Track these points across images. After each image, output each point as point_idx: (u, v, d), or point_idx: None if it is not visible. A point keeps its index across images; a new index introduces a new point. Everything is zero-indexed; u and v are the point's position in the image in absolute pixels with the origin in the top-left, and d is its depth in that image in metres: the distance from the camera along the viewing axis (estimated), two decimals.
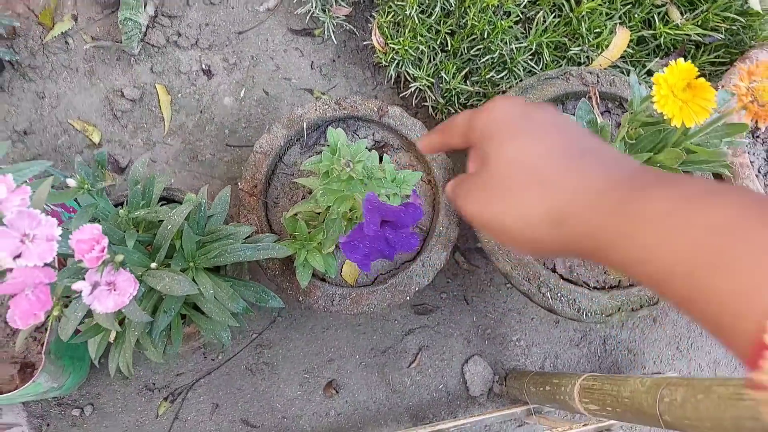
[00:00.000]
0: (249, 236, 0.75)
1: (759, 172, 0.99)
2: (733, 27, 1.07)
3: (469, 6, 1.02)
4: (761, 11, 1.08)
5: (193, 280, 0.65)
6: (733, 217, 0.22)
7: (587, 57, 1.04)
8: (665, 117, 0.62)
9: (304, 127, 0.93)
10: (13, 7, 1.13)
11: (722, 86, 0.95)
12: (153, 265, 0.61)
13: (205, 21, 1.18)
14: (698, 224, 0.22)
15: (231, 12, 1.19)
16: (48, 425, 1.01)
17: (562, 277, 0.90)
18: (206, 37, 1.17)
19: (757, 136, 1.01)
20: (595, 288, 0.90)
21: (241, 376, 1.07)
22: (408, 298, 0.90)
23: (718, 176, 0.92)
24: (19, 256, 0.46)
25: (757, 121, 0.57)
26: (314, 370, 1.08)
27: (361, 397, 1.08)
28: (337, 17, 1.12)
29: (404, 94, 1.11)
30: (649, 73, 1.08)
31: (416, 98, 1.11)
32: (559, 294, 0.86)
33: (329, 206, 0.78)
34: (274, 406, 1.07)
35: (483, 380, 1.10)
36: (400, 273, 0.90)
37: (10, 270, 0.47)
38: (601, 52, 1.03)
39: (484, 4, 1.01)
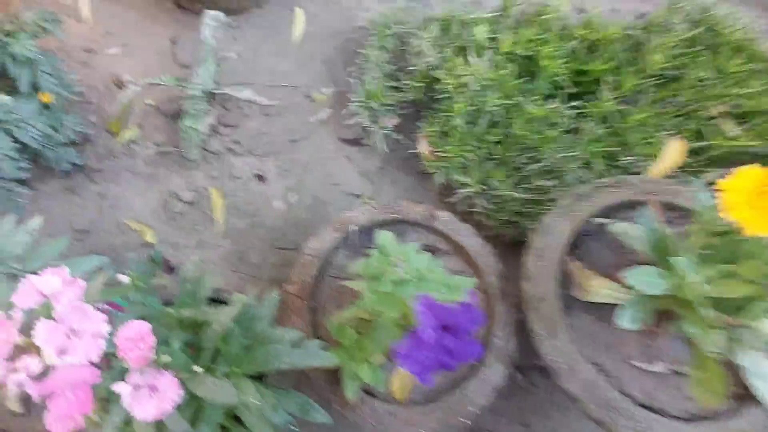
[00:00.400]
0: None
1: None
2: None
3: (514, 118, 1.04)
4: None
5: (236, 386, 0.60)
6: None
7: (639, 167, 1.03)
8: (735, 226, 0.59)
9: (354, 230, 0.93)
10: (87, 116, 1.22)
11: None
12: (196, 368, 0.57)
13: (261, 130, 1.24)
14: None
15: (285, 123, 1.25)
16: None
17: (640, 404, 0.81)
18: (261, 145, 1.22)
19: None
20: (677, 417, 0.80)
21: None
22: (463, 420, 0.82)
23: None
24: (64, 352, 0.43)
25: None
26: None
27: None
28: (386, 127, 1.16)
29: (451, 200, 1.10)
30: (710, 184, 1.05)
31: (463, 205, 1.10)
32: (633, 422, 0.77)
33: (379, 312, 0.75)
34: None
35: None
36: (455, 391, 0.83)
37: (53, 367, 0.44)
38: (652, 163, 1.02)
39: (530, 116, 1.03)
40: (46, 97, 1.04)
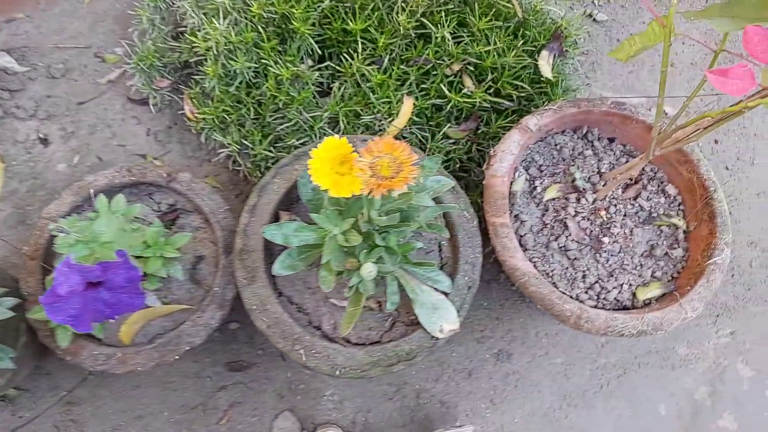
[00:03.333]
0: None
1: (531, 230, 1.04)
2: (522, 94, 1.15)
3: (267, 79, 1.10)
4: (552, 78, 1.16)
5: None
6: None
7: (381, 125, 1.12)
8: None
9: (92, 193, 1.00)
10: None
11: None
12: None
13: (47, 93, 1.26)
14: None
15: (73, 84, 1.28)
16: None
17: (324, 335, 0.94)
18: (45, 108, 1.25)
19: (534, 197, 1.06)
20: (356, 344, 0.94)
21: None
22: (177, 357, 0.93)
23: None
24: None
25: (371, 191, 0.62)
26: (122, 427, 1.10)
27: None
28: (158, 89, 1.21)
29: (217, 159, 1.18)
30: (447, 137, 1.15)
31: (228, 163, 1.18)
32: (313, 351, 0.90)
33: None
34: None
35: None
36: (169, 333, 0.94)
37: None
38: (391, 120, 1.11)
39: (280, 77, 1.09)
40: None
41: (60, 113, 1.25)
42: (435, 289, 0.92)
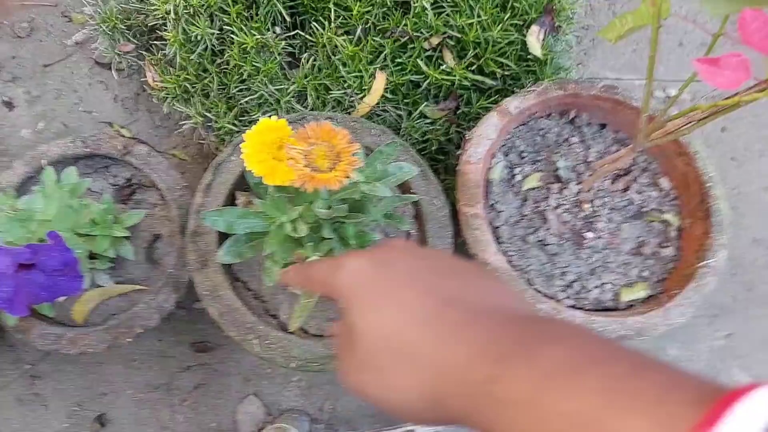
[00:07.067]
0: None
1: (507, 222, 0.97)
2: (508, 72, 1.07)
3: (232, 47, 1.03)
4: (541, 56, 1.07)
5: None
6: (590, 407, 0.22)
7: (351, 101, 1.04)
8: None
9: (43, 164, 0.95)
10: None
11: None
12: None
13: (12, 54, 1.21)
14: (556, 413, 0.23)
15: (39, 45, 1.22)
16: None
17: (281, 324, 0.90)
18: (10, 69, 1.19)
19: (513, 185, 0.99)
20: (314, 335, 0.90)
21: (9, 407, 1.08)
22: (130, 340, 0.90)
23: None
24: None
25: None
26: (85, 403, 1.09)
27: (129, 431, 1.09)
28: (122, 53, 1.14)
29: (182, 131, 1.12)
30: (424, 116, 1.08)
31: (193, 136, 1.12)
32: (267, 342, 0.86)
33: None
34: None
35: (254, 421, 1.10)
36: (122, 314, 0.91)
37: None
38: (362, 96, 1.03)
39: (245, 45, 1.02)
40: None
41: (25, 76, 1.20)
42: None
